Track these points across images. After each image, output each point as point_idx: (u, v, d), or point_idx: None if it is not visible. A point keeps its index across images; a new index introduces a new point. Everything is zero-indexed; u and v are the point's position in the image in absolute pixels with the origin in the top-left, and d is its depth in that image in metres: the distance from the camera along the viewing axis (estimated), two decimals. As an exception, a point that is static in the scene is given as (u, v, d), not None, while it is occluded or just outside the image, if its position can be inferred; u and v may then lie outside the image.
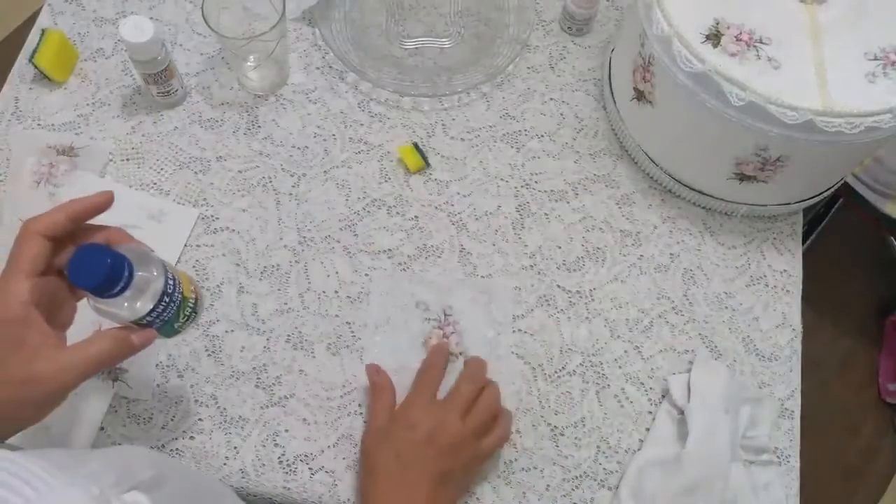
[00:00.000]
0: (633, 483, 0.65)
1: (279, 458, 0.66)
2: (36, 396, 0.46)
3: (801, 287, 0.76)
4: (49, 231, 0.48)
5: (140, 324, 0.50)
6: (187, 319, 0.54)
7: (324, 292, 0.72)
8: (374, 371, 0.66)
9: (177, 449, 0.65)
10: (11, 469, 0.32)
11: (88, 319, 0.52)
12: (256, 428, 0.66)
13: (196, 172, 0.76)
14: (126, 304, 0.48)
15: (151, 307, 0.49)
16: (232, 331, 0.70)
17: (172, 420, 0.66)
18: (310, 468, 0.65)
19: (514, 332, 0.71)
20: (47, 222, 0.48)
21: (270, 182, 0.76)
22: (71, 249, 0.50)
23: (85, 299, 0.50)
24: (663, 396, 0.69)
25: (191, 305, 0.53)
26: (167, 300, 0.50)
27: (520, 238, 0.75)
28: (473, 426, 0.61)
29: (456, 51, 0.84)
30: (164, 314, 0.51)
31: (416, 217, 0.76)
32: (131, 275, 0.47)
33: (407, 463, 0.59)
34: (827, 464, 1.43)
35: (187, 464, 0.65)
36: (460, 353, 0.70)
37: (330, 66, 0.83)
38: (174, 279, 0.51)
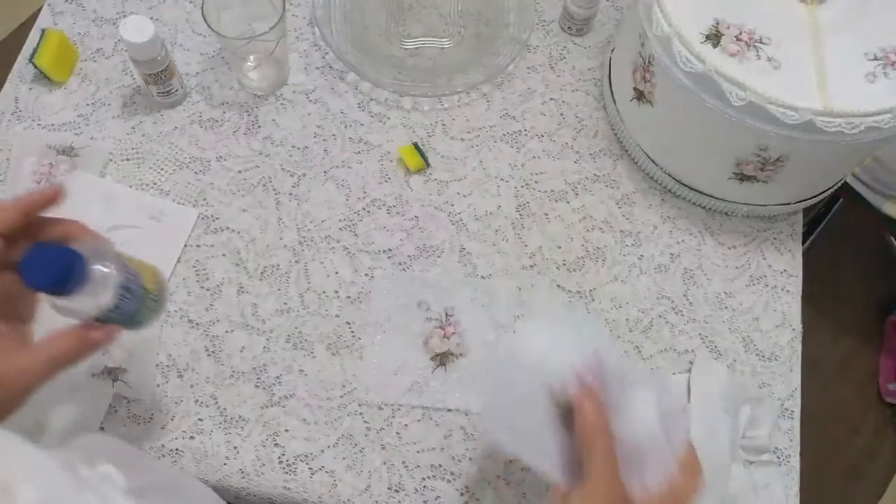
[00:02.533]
0: (633, 483, 0.65)
1: (279, 458, 0.66)
2: None
3: (801, 287, 0.76)
4: (2, 229, 0.46)
5: (101, 320, 0.48)
6: (151, 312, 0.52)
7: (324, 292, 0.72)
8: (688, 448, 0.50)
9: (177, 449, 0.65)
10: None
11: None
12: (256, 428, 0.66)
13: (196, 172, 0.76)
14: (84, 301, 0.46)
15: (111, 302, 0.47)
16: (232, 331, 0.70)
17: (172, 420, 0.66)
18: (310, 468, 0.65)
19: (514, 332, 0.71)
20: None
21: (270, 182, 0.76)
22: (25, 245, 0.48)
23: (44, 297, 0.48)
24: (663, 396, 0.69)
25: (153, 297, 0.52)
26: (127, 295, 0.48)
27: (520, 238, 0.75)
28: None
29: (456, 51, 0.84)
30: (125, 308, 0.49)
31: (416, 217, 0.76)
32: (85, 271, 0.45)
33: None
34: (827, 464, 1.43)
35: (187, 464, 0.65)
36: (461, 354, 0.69)
37: (330, 66, 0.83)
38: (134, 272, 0.49)
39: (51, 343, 0.46)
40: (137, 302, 0.50)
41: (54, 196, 0.49)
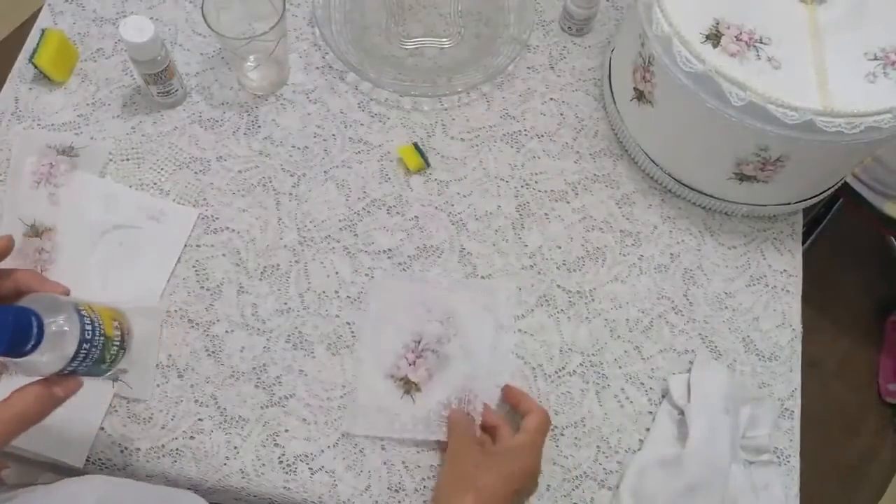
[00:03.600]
0: (633, 483, 0.65)
1: (279, 458, 0.66)
2: None
3: (801, 287, 0.76)
4: None
5: (62, 374, 0.46)
6: (114, 359, 0.50)
7: (324, 292, 0.72)
8: (451, 412, 0.66)
9: (177, 449, 0.65)
10: None
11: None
12: (256, 428, 0.66)
13: (196, 172, 0.76)
14: (43, 359, 0.44)
15: (71, 356, 0.45)
16: (232, 331, 0.70)
17: (172, 420, 0.66)
18: (310, 468, 0.65)
19: (514, 332, 0.71)
20: None
21: (270, 182, 0.76)
22: None
23: None
24: (663, 396, 0.69)
25: (116, 343, 0.50)
26: (87, 346, 0.46)
27: (520, 238, 0.75)
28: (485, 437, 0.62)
29: (456, 51, 0.84)
30: (87, 360, 0.47)
31: (416, 217, 0.76)
32: (41, 330, 0.43)
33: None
34: (827, 464, 1.43)
35: (187, 464, 0.65)
36: (460, 355, 0.69)
37: (330, 66, 0.83)
38: (91, 321, 0.47)
39: (11, 405, 0.44)
40: (99, 350, 0.48)
41: (3, 250, 0.47)
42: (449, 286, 0.72)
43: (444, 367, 0.68)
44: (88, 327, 0.47)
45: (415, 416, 0.66)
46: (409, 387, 0.67)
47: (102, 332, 0.48)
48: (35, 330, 0.43)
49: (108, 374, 0.51)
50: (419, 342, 0.69)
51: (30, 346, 0.43)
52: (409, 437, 0.66)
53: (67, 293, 0.49)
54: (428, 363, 0.68)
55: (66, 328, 0.45)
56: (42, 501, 0.40)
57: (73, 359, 0.46)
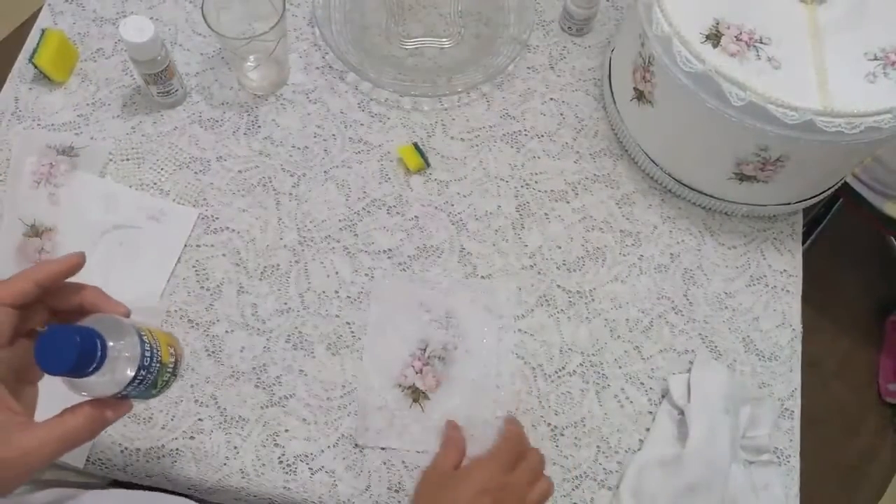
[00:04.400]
0: (633, 483, 0.65)
1: (279, 458, 0.66)
2: None
3: (801, 287, 0.76)
4: (16, 301, 0.44)
5: (115, 396, 0.46)
6: (166, 384, 0.50)
7: (324, 292, 0.72)
8: (453, 427, 0.66)
9: (177, 449, 0.65)
10: None
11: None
12: (256, 428, 0.66)
13: (196, 172, 0.76)
14: (100, 381, 0.44)
15: (128, 381, 0.45)
16: (232, 331, 0.70)
17: (172, 420, 0.66)
18: (310, 468, 0.65)
19: (514, 332, 0.71)
20: (13, 291, 0.44)
21: (270, 182, 0.76)
22: (42, 311, 0.46)
23: None
24: (663, 396, 0.69)
25: (169, 370, 0.50)
26: (144, 372, 0.46)
27: (520, 238, 0.75)
28: (523, 479, 0.60)
29: (456, 51, 0.84)
30: (142, 385, 0.47)
31: (416, 217, 0.76)
32: (104, 354, 0.43)
33: None
34: (827, 464, 1.43)
35: (187, 464, 0.65)
36: (461, 353, 0.69)
37: (330, 66, 0.83)
38: (151, 347, 0.47)
39: (63, 422, 0.44)
40: (154, 376, 0.48)
41: (74, 268, 0.47)
42: (449, 286, 0.72)
43: (451, 373, 0.68)
44: (147, 354, 0.47)
45: (425, 426, 0.66)
46: (417, 395, 0.67)
47: (159, 359, 0.48)
48: (99, 353, 0.43)
49: (155, 397, 0.51)
50: (425, 350, 0.69)
51: (91, 369, 0.43)
52: (421, 450, 0.66)
53: (128, 314, 0.49)
54: (435, 370, 0.68)
55: (126, 354, 0.45)
56: None
57: (129, 384, 0.46)
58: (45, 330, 0.43)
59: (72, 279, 0.48)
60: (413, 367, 0.68)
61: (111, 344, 0.44)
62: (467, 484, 0.58)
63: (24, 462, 0.42)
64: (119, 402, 0.47)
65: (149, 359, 0.47)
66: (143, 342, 0.47)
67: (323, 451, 0.66)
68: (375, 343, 0.69)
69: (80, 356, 0.42)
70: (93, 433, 0.45)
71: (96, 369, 0.43)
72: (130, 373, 0.45)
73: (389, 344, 0.69)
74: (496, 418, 0.67)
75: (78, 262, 0.47)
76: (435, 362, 0.68)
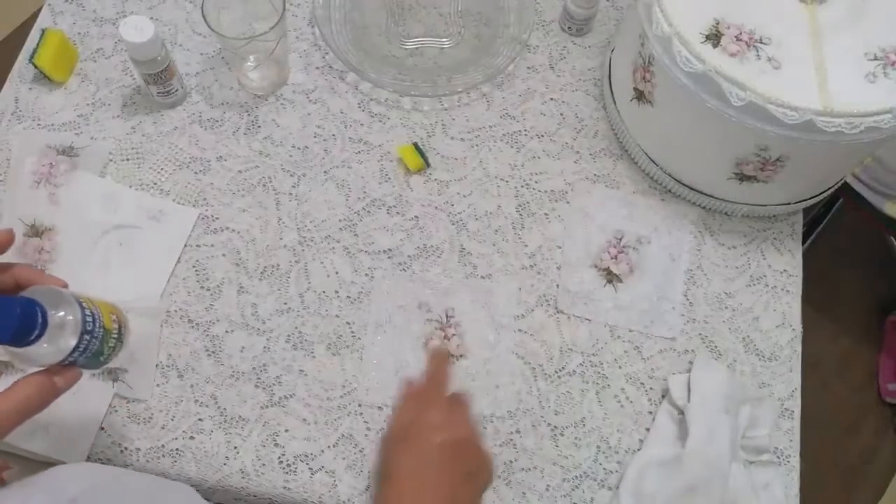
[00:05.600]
0: (633, 483, 0.65)
1: (279, 458, 0.66)
2: None
3: (801, 287, 0.76)
4: None
5: (62, 364, 0.47)
6: (112, 351, 0.51)
7: (324, 292, 0.72)
8: (407, 383, 0.63)
9: (177, 449, 0.65)
10: None
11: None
12: (256, 428, 0.66)
13: (196, 172, 0.76)
14: (44, 349, 0.45)
15: (72, 348, 0.46)
16: (232, 331, 0.70)
17: (172, 420, 0.66)
18: (310, 468, 0.65)
19: (513, 332, 0.71)
20: None
21: (270, 182, 0.76)
22: None
23: None
24: (663, 396, 0.69)
25: (114, 336, 0.51)
26: (87, 337, 0.47)
27: (520, 238, 0.75)
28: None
29: (456, 51, 0.84)
30: (87, 352, 0.48)
31: (416, 217, 0.76)
32: (45, 320, 0.44)
33: (428, 464, 0.57)
34: (827, 464, 1.43)
35: (187, 464, 0.65)
36: (460, 356, 0.70)
37: (330, 66, 0.83)
38: (92, 314, 0.48)
39: (13, 393, 0.44)
40: (98, 342, 0.49)
41: (4, 244, 0.48)
42: (449, 286, 0.72)
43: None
44: (89, 319, 0.48)
45: None
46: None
47: (102, 324, 0.49)
48: (39, 320, 0.44)
49: (105, 366, 0.52)
50: (449, 317, 0.70)
51: (33, 337, 0.43)
52: None
53: (66, 286, 0.49)
54: None
55: (68, 318, 0.46)
56: (24, 493, 0.40)
57: (74, 350, 0.46)
58: None
59: (70, 283, 0.48)
60: (443, 332, 0.69)
61: (52, 312, 0.45)
62: (428, 435, 0.55)
63: None
64: (67, 368, 0.47)
65: (91, 324, 0.48)
66: (83, 309, 0.47)
67: (323, 451, 0.66)
68: (377, 347, 0.69)
69: (21, 324, 0.42)
70: (44, 401, 0.46)
71: (38, 336, 0.44)
72: (73, 340, 0.46)
73: (393, 339, 0.69)
74: (496, 418, 0.67)
75: (8, 240, 0.48)
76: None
